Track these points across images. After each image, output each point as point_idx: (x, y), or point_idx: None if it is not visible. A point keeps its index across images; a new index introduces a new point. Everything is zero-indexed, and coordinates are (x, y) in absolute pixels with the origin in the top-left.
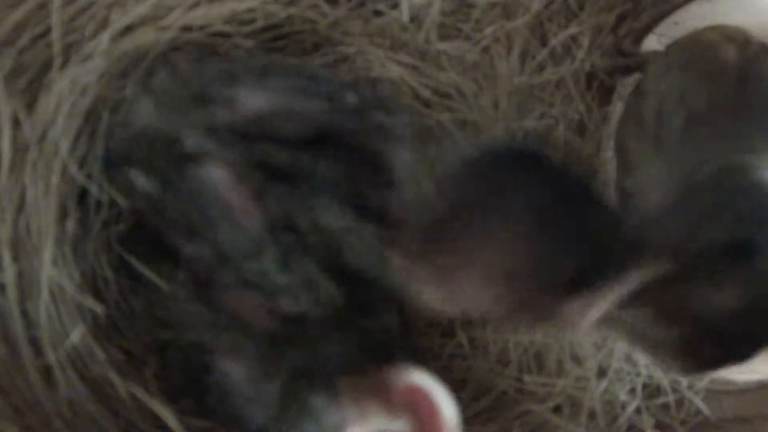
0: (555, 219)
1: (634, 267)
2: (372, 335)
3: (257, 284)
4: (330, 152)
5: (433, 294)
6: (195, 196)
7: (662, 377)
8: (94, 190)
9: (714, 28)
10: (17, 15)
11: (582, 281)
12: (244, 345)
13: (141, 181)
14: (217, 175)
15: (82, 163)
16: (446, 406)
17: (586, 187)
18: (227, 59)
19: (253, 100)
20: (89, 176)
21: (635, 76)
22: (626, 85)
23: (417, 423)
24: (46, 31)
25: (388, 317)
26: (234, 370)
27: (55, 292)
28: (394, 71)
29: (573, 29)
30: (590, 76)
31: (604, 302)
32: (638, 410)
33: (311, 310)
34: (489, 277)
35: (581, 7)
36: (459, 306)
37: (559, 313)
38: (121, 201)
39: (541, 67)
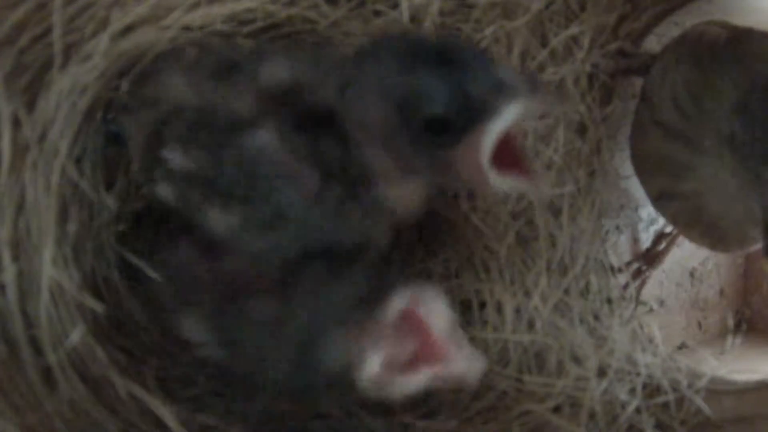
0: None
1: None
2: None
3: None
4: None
5: None
6: (248, 162)
7: (662, 377)
8: (87, 189)
9: (700, 24)
10: (17, 15)
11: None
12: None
13: (179, 159)
14: (268, 139)
15: (79, 163)
16: (430, 315)
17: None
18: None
19: (276, 71)
20: (82, 175)
21: (635, 79)
22: (626, 85)
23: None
24: (46, 31)
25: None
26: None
27: (55, 292)
28: None
29: (573, 29)
30: (591, 77)
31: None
32: (638, 410)
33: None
34: None
35: (582, 8)
36: None
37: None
38: (106, 199)
39: (541, 68)
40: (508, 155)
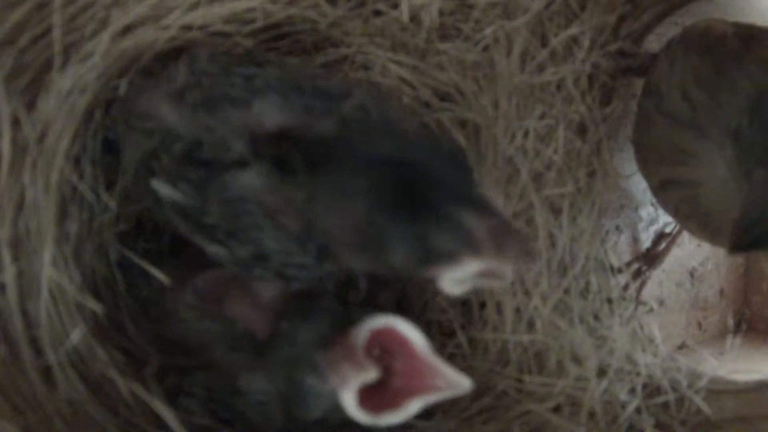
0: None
1: None
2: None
3: (296, 276)
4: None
5: None
6: (234, 203)
7: (662, 377)
8: (85, 190)
9: (702, 20)
10: (17, 15)
11: None
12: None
13: (167, 191)
14: (257, 181)
15: (77, 163)
16: (411, 332)
17: None
18: (246, 60)
19: (270, 116)
20: (81, 176)
21: (635, 79)
22: (626, 85)
23: (394, 359)
24: (47, 31)
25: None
26: (260, 385)
27: (55, 292)
28: (394, 71)
29: (573, 29)
30: (591, 77)
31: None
32: (638, 410)
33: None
34: None
35: (582, 8)
36: None
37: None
38: (109, 201)
39: (541, 68)
40: None
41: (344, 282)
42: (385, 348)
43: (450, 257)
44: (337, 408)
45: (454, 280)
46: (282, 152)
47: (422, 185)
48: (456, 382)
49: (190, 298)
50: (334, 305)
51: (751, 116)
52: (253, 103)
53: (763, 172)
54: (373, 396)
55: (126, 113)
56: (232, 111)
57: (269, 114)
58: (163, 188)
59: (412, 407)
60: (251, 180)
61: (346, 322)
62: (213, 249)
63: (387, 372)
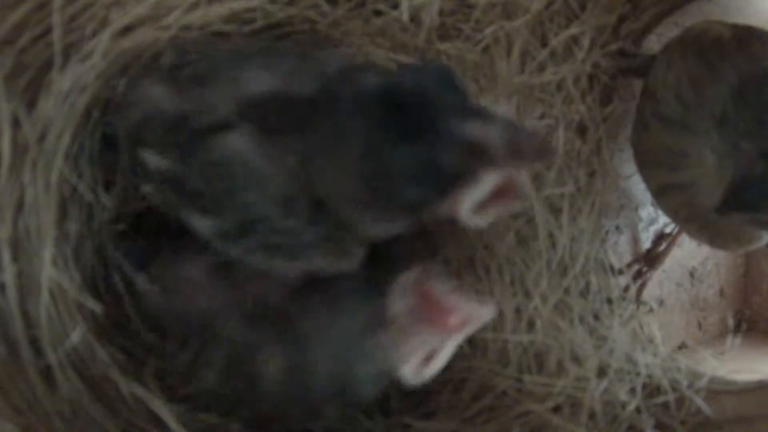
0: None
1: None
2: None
3: (282, 245)
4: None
5: None
6: (219, 165)
7: (662, 377)
8: (85, 189)
9: (700, 21)
10: (17, 15)
11: None
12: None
13: (155, 160)
14: (240, 142)
15: (76, 163)
16: (433, 282)
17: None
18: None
19: (257, 81)
20: (81, 176)
21: (635, 80)
22: (626, 86)
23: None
24: (47, 31)
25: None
26: (278, 364)
27: (55, 292)
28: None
29: (573, 30)
30: (591, 77)
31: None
32: (638, 410)
33: (333, 265)
34: None
35: (582, 8)
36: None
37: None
38: (105, 199)
39: (541, 68)
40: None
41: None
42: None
43: (465, 174)
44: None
45: (475, 205)
46: (268, 114)
47: (417, 108)
48: (479, 311)
49: (198, 277)
50: (355, 284)
51: (734, 100)
52: (240, 74)
53: (749, 143)
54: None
55: (121, 104)
56: (220, 83)
57: (255, 80)
58: (151, 158)
59: (448, 350)
60: (236, 142)
61: (378, 293)
62: (201, 223)
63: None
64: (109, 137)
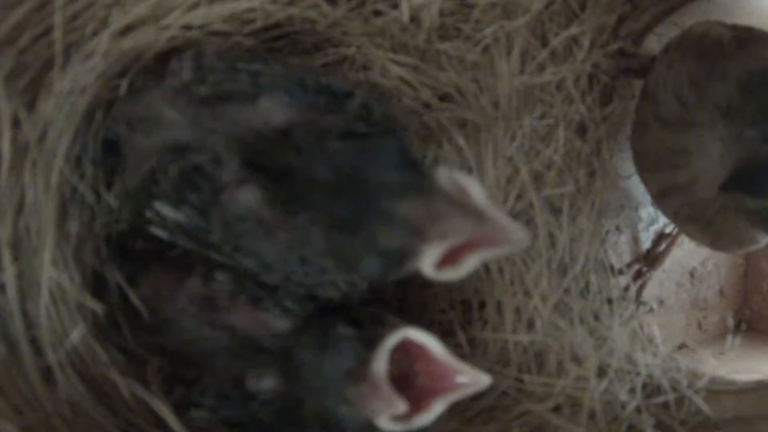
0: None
1: None
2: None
3: (301, 283)
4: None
5: None
6: (235, 222)
7: (662, 377)
8: (85, 190)
9: (700, 22)
10: (17, 15)
11: None
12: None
13: (169, 212)
14: (253, 198)
15: (77, 163)
16: (426, 340)
17: None
18: (250, 57)
19: (275, 113)
20: (82, 176)
21: (634, 80)
22: (626, 86)
23: (415, 362)
24: (47, 31)
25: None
26: (268, 384)
27: (55, 292)
28: (394, 71)
29: (573, 30)
30: (591, 77)
31: None
32: (638, 410)
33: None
34: None
35: (582, 8)
36: None
37: None
38: (112, 201)
39: (541, 68)
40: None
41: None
42: (406, 352)
43: (407, 253)
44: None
45: (435, 266)
46: (278, 161)
47: (358, 193)
48: (476, 378)
49: (185, 303)
50: (349, 332)
51: (740, 93)
52: (258, 101)
53: (753, 131)
54: (402, 395)
55: (127, 114)
56: (237, 108)
57: (274, 111)
58: (166, 210)
59: (439, 407)
60: (248, 197)
61: (367, 346)
62: (220, 259)
63: (411, 372)
64: (109, 142)
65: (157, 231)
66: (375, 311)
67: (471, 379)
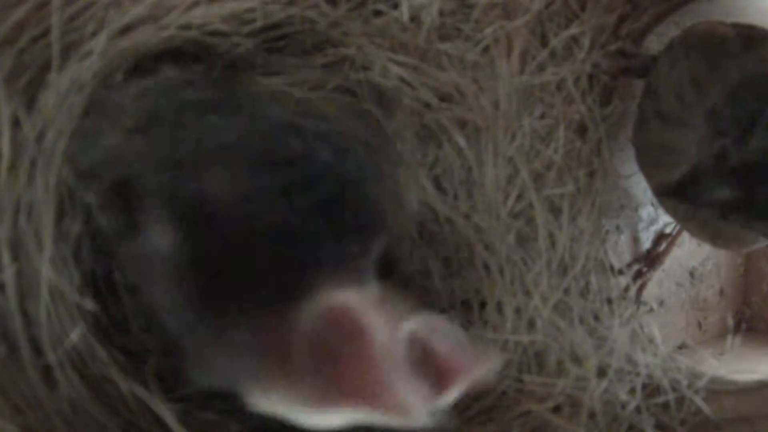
0: None
1: None
2: None
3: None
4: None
5: None
6: (139, 255)
7: (662, 377)
8: (81, 191)
9: (703, 21)
10: (17, 15)
11: None
12: None
13: (97, 211)
14: (160, 244)
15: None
16: (435, 323)
17: None
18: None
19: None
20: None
21: (634, 80)
22: (627, 86)
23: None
24: (46, 31)
25: None
26: None
27: (54, 292)
28: (394, 71)
29: (574, 30)
30: (591, 77)
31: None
32: (638, 410)
33: None
34: None
35: (582, 8)
36: None
37: None
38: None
39: (541, 68)
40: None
41: None
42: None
43: None
44: None
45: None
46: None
47: None
48: (487, 357)
49: None
50: None
51: (728, 97)
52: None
53: (723, 141)
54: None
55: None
56: (176, 134)
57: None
58: (95, 208)
59: (455, 391)
60: (156, 241)
61: None
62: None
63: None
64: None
65: None
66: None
67: (482, 359)
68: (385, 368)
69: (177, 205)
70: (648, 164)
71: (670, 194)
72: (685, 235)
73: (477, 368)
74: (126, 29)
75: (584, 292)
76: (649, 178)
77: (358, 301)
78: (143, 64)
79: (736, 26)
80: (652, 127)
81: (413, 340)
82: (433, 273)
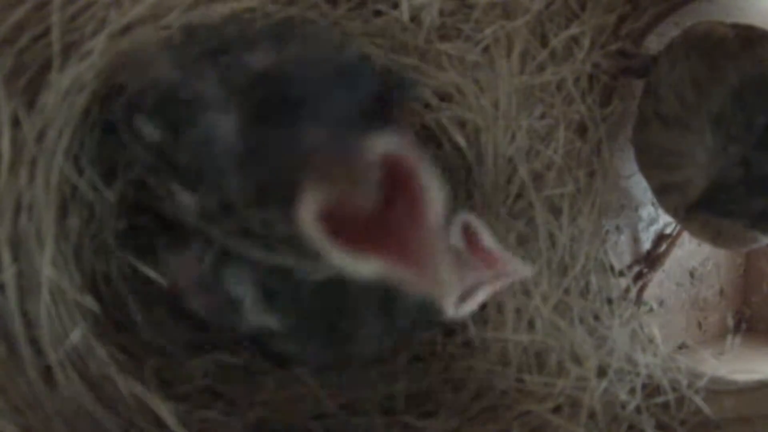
0: None
1: None
2: None
3: (259, 234)
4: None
5: None
6: (204, 143)
7: (662, 377)
8: (85, 189)
9: (703, 21)
10: (17, 15)
11: None
12: None
13: (148, 128)
14: (227, 124)
15: (76, 162)
16: (483, 230)
17: None
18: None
19: (264, 61)
20: (81, 174)
21: (634, 80)
22: (627, 86)
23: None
24: (46, 31)
25: None
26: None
27: (54, 291)
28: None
29: (574, 30)
30: (591, 77)
31: None
32: (638, 410)
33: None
34: None
35: (582, 8)
36: None
37: None
38: (109, 195)
39: (541, 68)
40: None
41: None
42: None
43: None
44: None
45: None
46: (261, 97)
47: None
48: (520, 267)
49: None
50: None
51: (733, 101)
52: (248, 51)
53: (736, 147)
54: None
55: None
56: (226, 59)
57: (263, 59)
58: (144, 125)
59: (483, 295)
60: (223, 121)
61: None
62: (184, 198)
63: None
64: (109, 123)
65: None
66: None
67: (516, 267)
68: (435, 239)
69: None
70: (647, 165)
71: (695, 209)
72: (686, 235)
73: (513, 270)
74: (126, 29)
75: (584, 292)
76: (649, 177)
77: (416, 155)
78: None
79: (735, 26)
80: (652, 128)
81: (463, 227)
82: None
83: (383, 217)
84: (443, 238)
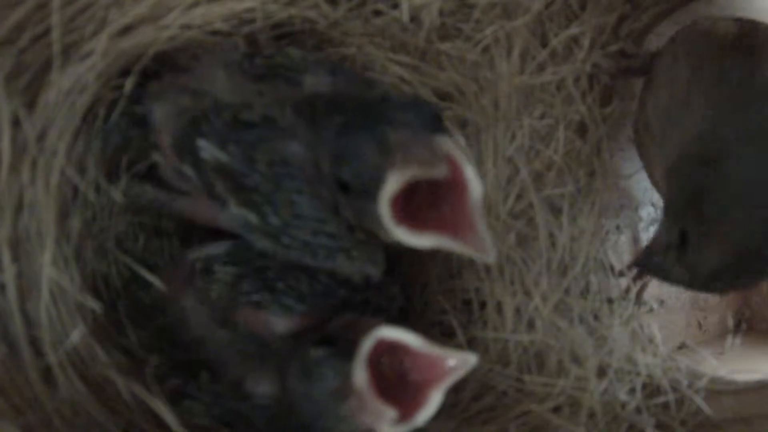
0: None
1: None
2: None
3: (324, 246)
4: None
5: None
6: (282, 165)
7: (662, 377)
8: (87, 189)
9: (706, 17)
10: (17, 15)
11: None
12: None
13: (212, 151)
14: (301, 150)
15: (78, 163)
16: (401, 335)
17: None
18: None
19: (317, 83)
20: (83, 175)
21: (634, 80)
22: (626, 86)
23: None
24: (46, 31)
25: None
26: (265, 389)
27: (55, 292)
28: (394, 71)
29: (574, 30)
30: (591, 77)
31: None
32: (638, 410)
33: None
34: None
35: (582, 8)
36: None
37: None
38: (117, 196)
39: (541, 68)
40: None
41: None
42: (391, 350)
43: (377, 178)
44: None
45: (389, 202)
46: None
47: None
48: (464, 359)
49: (193, 302)
50: (323, 352)
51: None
52: (304, 78)
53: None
54: (398, 396)
55: (177, 85)
56: (284, 84)
57: (318, 85)
58: (209, 149)
59: (436, 398)
60: (297, 148)
61: (345, 360)
62: (240, 212)
63: (403, 369)
64: (140, 116)
65: (188, 171)
66: (349, 318)
67: (459, 361)
68: (479, 216)
69: None
70: (648, 143)
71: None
72: None
73: (450, 375)
74: (126, 29)
75: (584, 292)
76: (650, 160)
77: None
78: None
79: (737, 21)
80: (652, 126)
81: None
82: (433, 274)
83: (434, 203)
84: (483, 215)
